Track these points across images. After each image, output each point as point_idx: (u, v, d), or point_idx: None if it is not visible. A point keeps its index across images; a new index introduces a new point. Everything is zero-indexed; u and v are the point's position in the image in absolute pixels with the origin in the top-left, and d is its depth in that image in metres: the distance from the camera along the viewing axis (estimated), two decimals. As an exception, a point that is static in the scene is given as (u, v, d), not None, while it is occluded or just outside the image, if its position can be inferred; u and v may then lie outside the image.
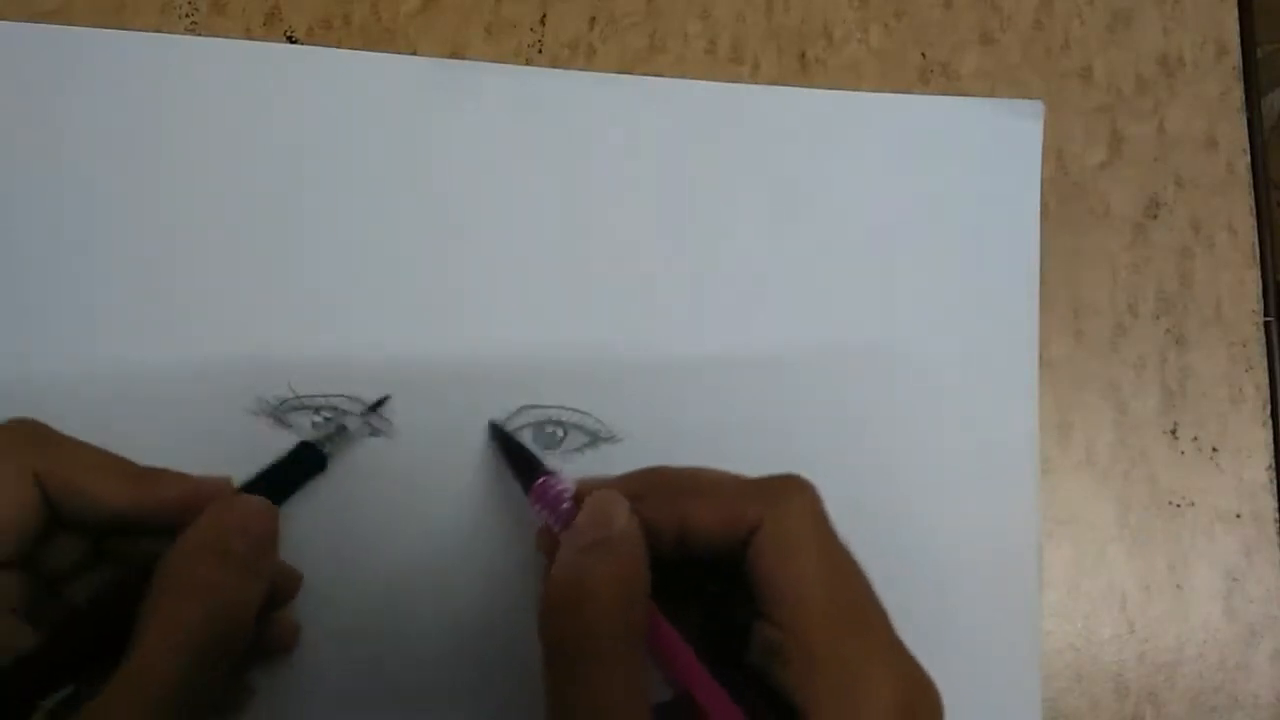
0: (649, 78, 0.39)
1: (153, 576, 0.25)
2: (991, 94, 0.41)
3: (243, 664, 0.31)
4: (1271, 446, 0.39)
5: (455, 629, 0.33)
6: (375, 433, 0.34)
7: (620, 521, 0.26)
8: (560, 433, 0.35)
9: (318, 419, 0.34)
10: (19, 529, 0.26)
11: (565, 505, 0.28)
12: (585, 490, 0.28)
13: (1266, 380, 0.39)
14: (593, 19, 0.40)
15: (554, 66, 0.39)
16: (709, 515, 0.26)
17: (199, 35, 0.38)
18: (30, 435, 0.27)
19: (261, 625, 0.29)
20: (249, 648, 0.28)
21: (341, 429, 0.33)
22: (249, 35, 0.38)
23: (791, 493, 0.26)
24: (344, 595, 0.33)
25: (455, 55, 0.39)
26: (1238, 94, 0.42)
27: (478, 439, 0.34)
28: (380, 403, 0.34)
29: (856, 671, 0.23)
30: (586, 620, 0.24)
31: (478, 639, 0.33)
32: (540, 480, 0.30)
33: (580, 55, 0.39)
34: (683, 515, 0.26)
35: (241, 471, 0.29)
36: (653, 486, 0.28)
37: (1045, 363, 0.38)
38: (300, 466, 0.31)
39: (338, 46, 0.38)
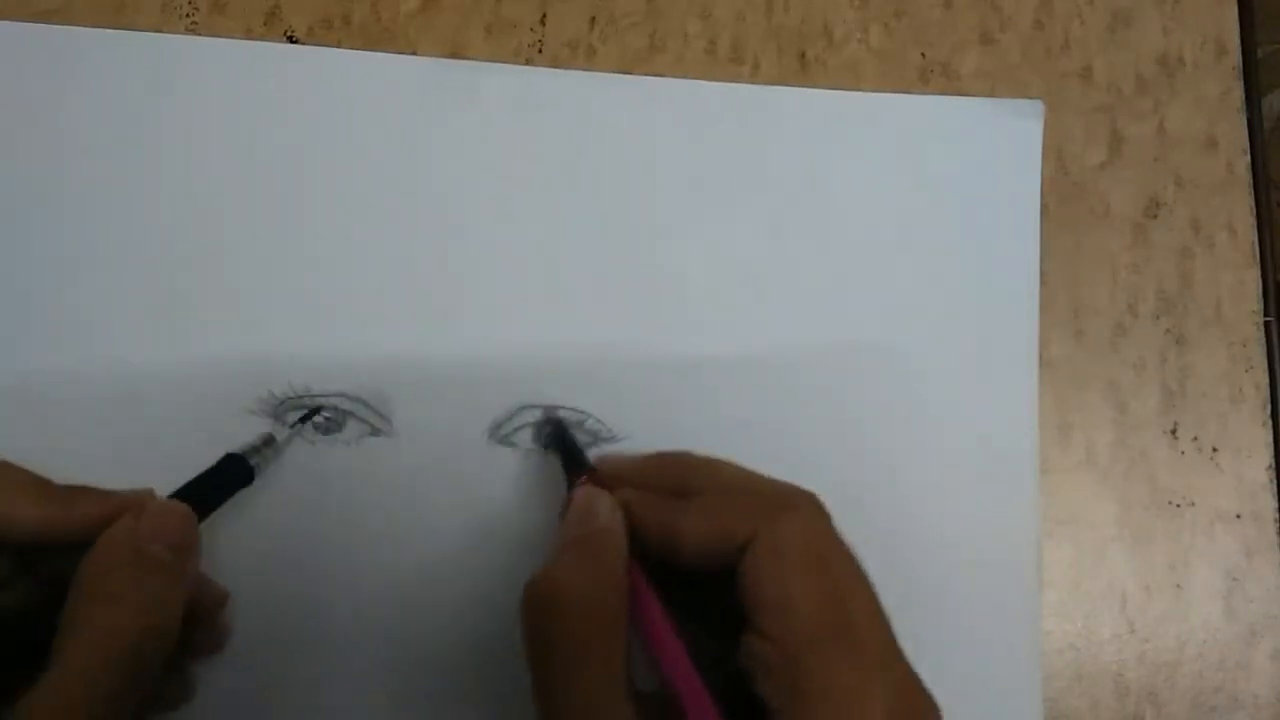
0: (649, 78, 0.39)
1: (70, 585, 0.25)
2: (991, 94, 0.41)
3: (179, 661, 0.31)
4: (1271, 446, 0.39)
5: (455, 629, 0.33)
6: (375, 433, 0.34)
7: (601, 519, 0.26)
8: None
9: (318, 418, 0.34)
10: None
11: None
12: (603, 466, 0.29)
13: (1266, 380, 0.39)
14: (593, 19, 0.40)
15: (554, 66, 0.39)
16: (700, 526, 0.26)
17: (199, 35, 0.38)
18: None
19: (194, 630, 0.29)
20: (184, 648, 0.29)
21: (270, 439, 0.32)
22: (249, 35, 0.38)
23: (790, 507, 0.26)
24: (343, 595, 0.33)
25: (455, 55, 0.39)
26: (1238, 94, 0.42)
27: (478, 439, 0.34)
28: (312, 413, 0.33)
29: (843, 688, 0.23)
30: (559, 620, 0.24)
31: (477, 638, 0.33)
32: (583, 479, 0.30)
33: (580, 55, 0.39)
34: (673, 523, 0.26)
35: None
36: (662, 477, 0.28)
37: (1045, 363, 0.38)
38: (227, 478, 0.31)
39: (338, 46, 0.38)
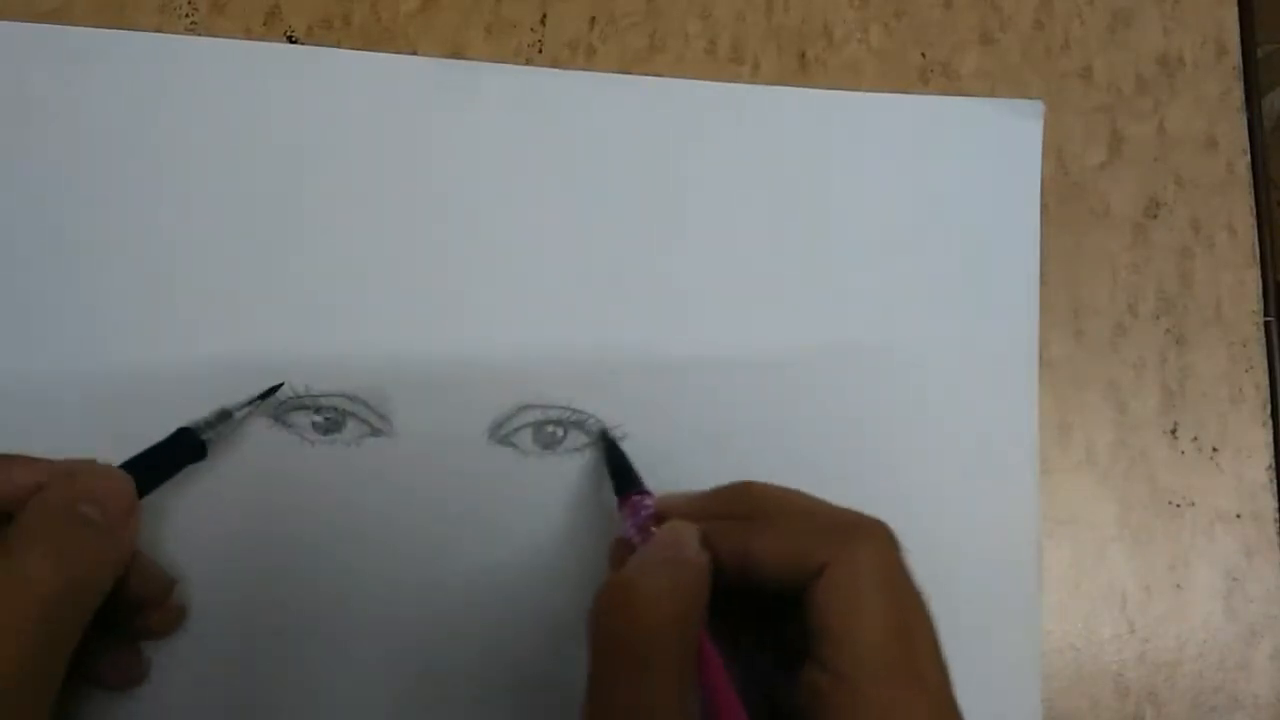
0: (649, 78, 0.39)
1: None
2: (991, 94, 0.41)
3: (128, 640, 0.31)
4: (1271, 446, 0.39)
5: (454, 628, 0.33)
6: (375, 433, 0.34)
7: (690, 551, 0.26)
8: (560, 433, 0.35)
9: (318, 418, 0.34)
10: None
11: (646, 519, 0.29)
12: (665, 507, 0.29)
13: (1266, 380, 0.39)
14: (593, 19, 0.40)
15: (554, 66, 0.39)
16: (775, 551, 0.25)
17: (199, 35, 0.38)
18: None
19: (142, 610, 0.30)
20: (132, 627, 0.30)
21: (225, 414, 0.32)
22: (249, 35, 0.38)
23: (863, 537, 0.25)
24: (342, 595, 0.33)
25: (455, 55, 0.39)
26: (1238, 94, 0.42)
27: (478, 439, 0.34)
28: (272, 390, 0.33)
29: None
30: (639, 625, 0.24)
31: (477, 638, 0.33)
32: (634, 495, 0.30)
33: (580, 55, 0.39)
34: (748, 549, 0.26)
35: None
36: (730, 508, 0.28)
37: (1045, 363, 0.38)
38: (177, 452, 0.31)
39: (338, 46, 0.38)
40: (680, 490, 0.29)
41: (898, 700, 0.23)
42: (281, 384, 0.34)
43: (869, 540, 0.25)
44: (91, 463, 0.29)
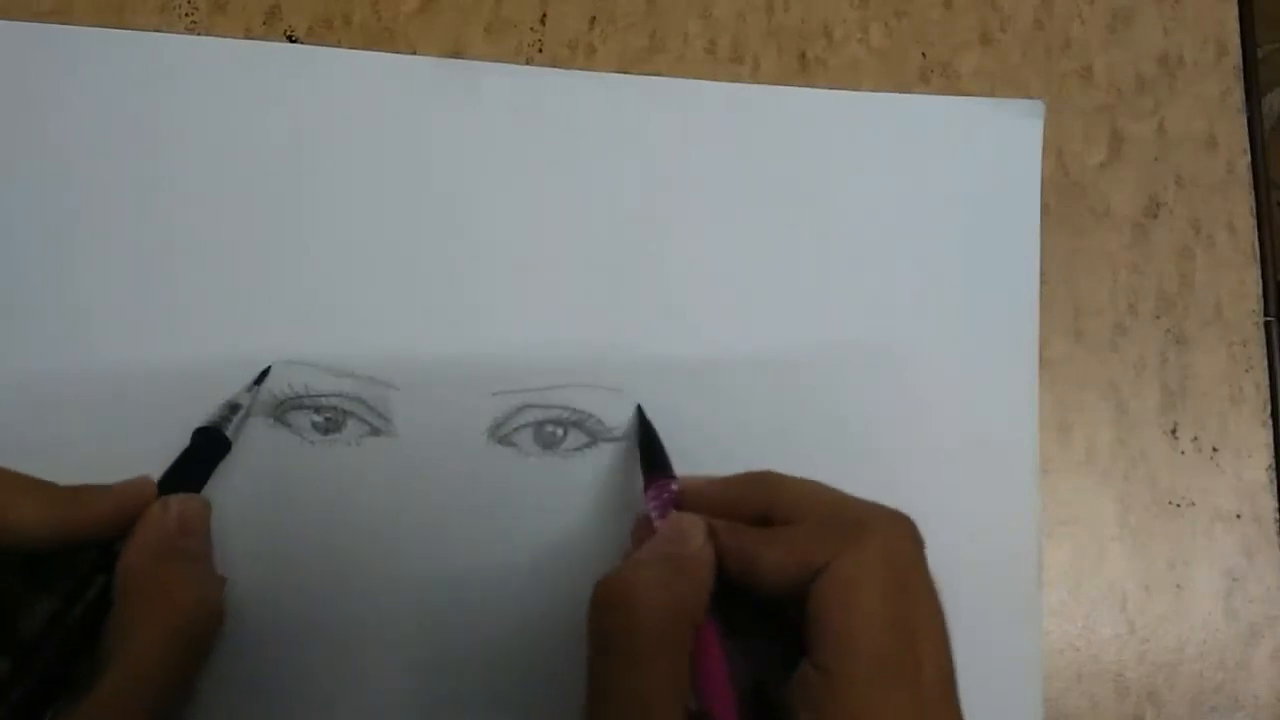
0: (649, 78, 0.39)
1: (114, 589, 0.26)
2: (991, 94, 0.41)
3: None
4: (1271, 446, 0.39)
5: (454, 628, 0.33)
6: (375, 433, 0.34)
7: (695, 545, 0.26)
8: (560, 432, 0.35)
9: (318, 418, 0.34)
10: None
11: (667, 502, 0.29)
12: (686, 491, 0.29)
13: (1266, 380, 0.39)
14: (593, 19, 0.40)
15: (554, 66, 0.39)
16: (779, 557, 0.25)
17: (199, 35, 0.38)
18: None
19: None
20: None
21: (234, 407, 0.33)
22: (249, 35, 0.38)
23: (869, 534, 0.25)
24: (342, 594, 0.33)
25: (455, 55, 0.39)
26: (1238, 94, 0.42)
27: (478, 439, 0.34)
28: (263, 375, 0.34)
29: None
30: (634, 619, 0.24)
31: (477, 637, 0.33)
32: (662, 479, 0.31)
33: (580, 55, 0.39)
34: (754, 553, 0.26)
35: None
36: (749, 500, 0.28)
37: (1045, 363, 0.38)
38: (207, 452, 0.32)
39: (338, 46, 0.38)
40: (704, 475, 0.30)
41: (885, 700, 0.23)
42: (270, 366, 0.34)
43: (871, 539, 0.25)
44: (149, 481, 0.29)
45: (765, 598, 0.26)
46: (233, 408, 0.33)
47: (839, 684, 0.23)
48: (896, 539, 0.26)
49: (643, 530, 0.30)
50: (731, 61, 0.40)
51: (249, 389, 0.33)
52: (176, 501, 0.28)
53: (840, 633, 0.24)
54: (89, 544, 0.27)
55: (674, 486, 0.30)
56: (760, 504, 0.28)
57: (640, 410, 0.35)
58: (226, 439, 0.32)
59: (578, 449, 0.35)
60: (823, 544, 0.25)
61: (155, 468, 0.29)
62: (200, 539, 0.28)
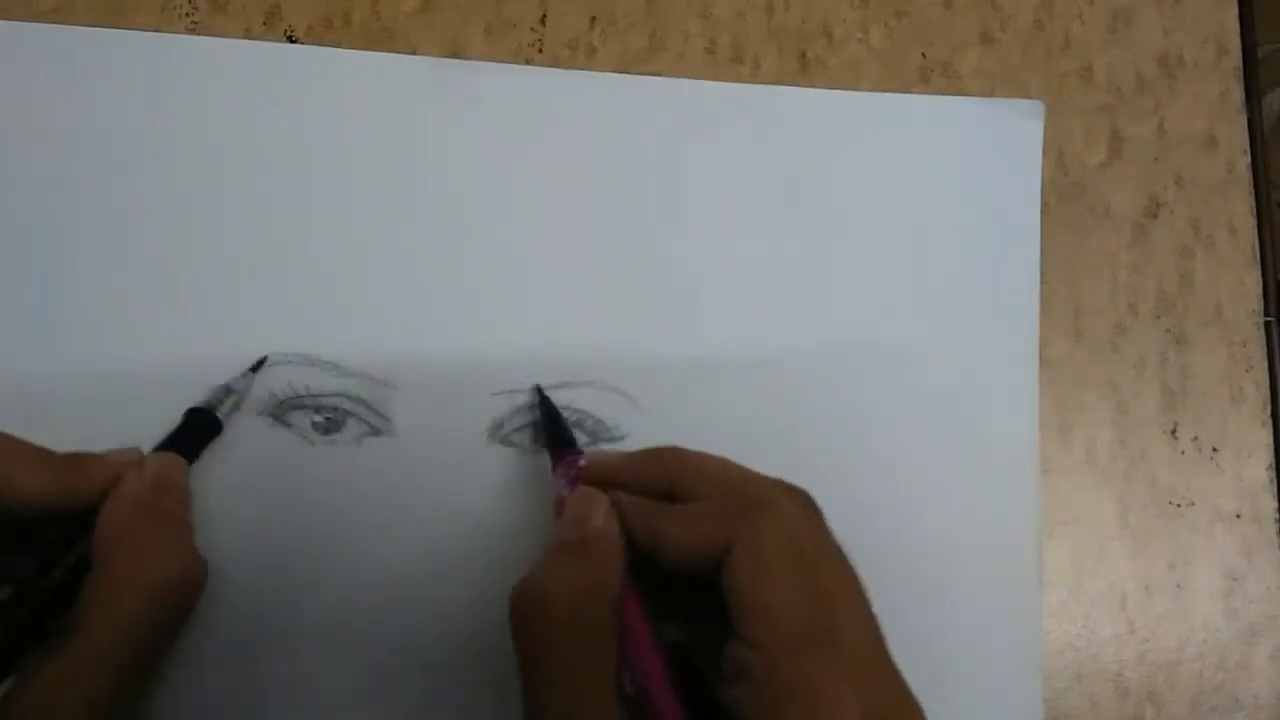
0: (649, 78, 0.39)
1: (92, 547, 0.26)
2: (991, 94, 0.41)
3: None
4: (1271, 446, 0.39)
5: (453, 627, 0.33)
6: (375, 433, 0.34)
7: (596, 523, 0.26)
8: (560, 432, 0.35)
9: (318, 418, 0.34)
10: None
11: (575, 478, 0.30)
12: (592, 466, 0.29)
13: (1266, 380, 0.39)
14: (593, 19, 0.40)
15: (554, 66, 0.39)
16: (681, 534, 0.26)
17: (199, 35, 0.38)
18: None
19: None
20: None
21: (228, 390, 0.33)
22: (249, 35, 0.38)
23: (770, 508, 0.25)
24: (342, 594, 0.33)
25: (455, 55, 0.39)
26: (1238, 94, 0.42)
27: (478, 439, 0.34)
28: (259, 364, 0.34)
29: (817, 690, 0.23)
30: (547, 625, 0.24)
31: (476, 637, 0.33)
32: (569, 455, 0.31)
33: (580, 55, 0.39)
34: (657, 530, 0.26)
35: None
36: (652, 475, 0.28)
37: (1045, 363, 0.38)
38: (197, 432, 0.32)
39: (338, 46, 0.38)
40: (612, 450, 0.29)
41: (816, 667, 0.23)
42: (266, 356, 0.34)
43: (774, 513, 0.25)
44: (139, 452, 0.29)
45: (676, 571, 0.26)
46: (227, 390, 0.33)
47: (767, 656, 0.23)
48: (796, 510, 0.26)
49: (560, 508, 0.30)
50: (731, 61, 0.40)
51: (244, 374, 0.33)
52: (153, 461, 0.29)
53: (757, 609, 0.24)
54: (81, 509, 0.27)
55: (581, 462, 0.30)
56: (664, 480, 0.28)
57: (539, 389, 0.35)
58: (218, 420, 0.32)
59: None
60: (722, 522, 0.25)
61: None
62: (176, 498, 0.29)
